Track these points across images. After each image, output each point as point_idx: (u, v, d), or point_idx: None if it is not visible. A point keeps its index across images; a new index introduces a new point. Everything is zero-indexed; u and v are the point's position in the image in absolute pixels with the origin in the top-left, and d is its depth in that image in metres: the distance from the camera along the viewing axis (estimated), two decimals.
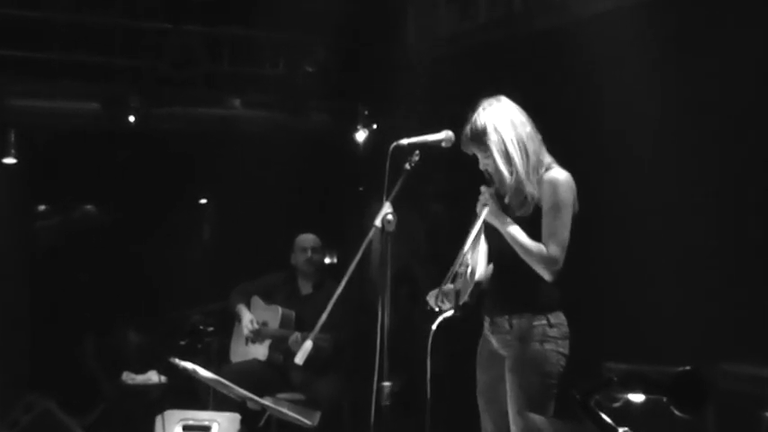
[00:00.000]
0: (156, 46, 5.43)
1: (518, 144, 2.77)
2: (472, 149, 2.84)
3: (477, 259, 2.81)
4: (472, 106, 2.88)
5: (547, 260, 2.72)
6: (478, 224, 2.82)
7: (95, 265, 5.98)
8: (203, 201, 6.79)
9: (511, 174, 2.77)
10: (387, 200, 2.62)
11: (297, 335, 4.52)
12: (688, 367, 1.89)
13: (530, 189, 2.77)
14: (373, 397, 2.55)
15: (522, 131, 2.79)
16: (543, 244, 2.73)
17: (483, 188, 2.85)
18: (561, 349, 2.80)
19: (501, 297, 2.87)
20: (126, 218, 6.20)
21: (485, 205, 2.82)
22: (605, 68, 4.28)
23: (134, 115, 5.55)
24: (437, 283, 2.98)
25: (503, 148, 2.77)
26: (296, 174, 6.14)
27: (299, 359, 2.58)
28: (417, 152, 2.69)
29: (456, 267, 2.81)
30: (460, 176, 3.09)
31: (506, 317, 2.83)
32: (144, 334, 5.81)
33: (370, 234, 2.60)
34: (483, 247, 2.86)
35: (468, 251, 2.81)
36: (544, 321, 2.78)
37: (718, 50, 3.88)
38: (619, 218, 4.20)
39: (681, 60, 4.06)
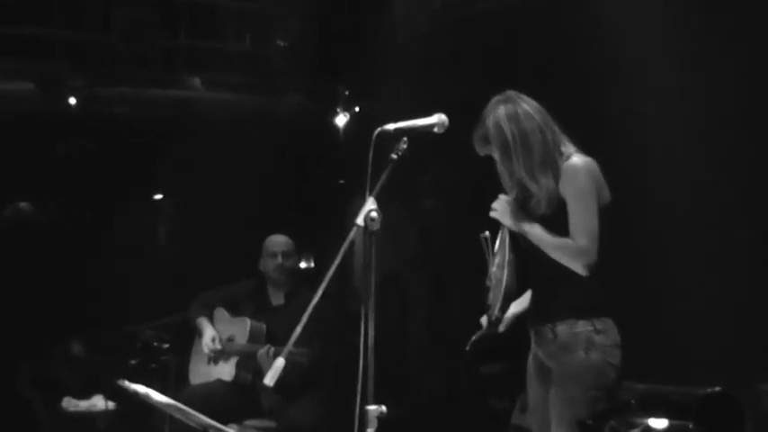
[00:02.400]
0: (101, 16, 5.41)
1: (520, 139, 2.93)
2: (481, 150, 3.03)
3: (503, 271, 2.97)
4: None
5: (576, 252, 2.86)
6: (502, 232, 3.00)
7: (31, 273, 5.95)
8: (158, 197, 6.77)
9: (511, 172, 2.95)
10: (370, 194, 2.62)
11: (268, 347, 4.51)
12: (718, 388, 1.91)
13: (537, 186, 2.92)
14: (356, 423, 2.56)
15: (526, 125, 2.94)
16: (571, 236, 2.87)
17: (501, 195, 3.02)
18: (610, 359, 2.89)
19: (542, 305, 3.02)
20: (67, 217, 6.17)
21: (501, 210, 2.99)
22: (624, 42, 4.30)
23: (76, 97, 5.52)
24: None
25: (500, 144, 2.95)
26: (266, 165, 6.13)
27: (269, 380, 2.57)
28: (405, 139, 2.71)
29: (490, 269, 3.01)
30: (456, 167, 3.13)
31: (549, 325, 2.96)
32: (90, 350, 5.79)
33: (352, 234, 2.61)
34: (509, 256, 2.99)
35: (493, 263, 2.99)
36: (590, 327, 2.89)
37: (753, 21, 3.92)
38: (646, 212, 4.23)
39: (712, 34, 4.09)
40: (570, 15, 4.64)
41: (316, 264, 6.38)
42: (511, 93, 3.01)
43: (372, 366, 2.52)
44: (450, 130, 2.84)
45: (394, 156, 2.68)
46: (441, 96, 5.07)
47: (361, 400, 2.53)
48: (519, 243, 3.00)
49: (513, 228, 2.96)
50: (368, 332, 2.54)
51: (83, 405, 5.46)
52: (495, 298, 2.97)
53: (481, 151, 3.02)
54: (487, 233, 3.03)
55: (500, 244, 3.00)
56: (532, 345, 3.08)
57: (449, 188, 5.60)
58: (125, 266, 6.12)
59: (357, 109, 6.02)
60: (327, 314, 4.73)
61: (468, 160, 3.00)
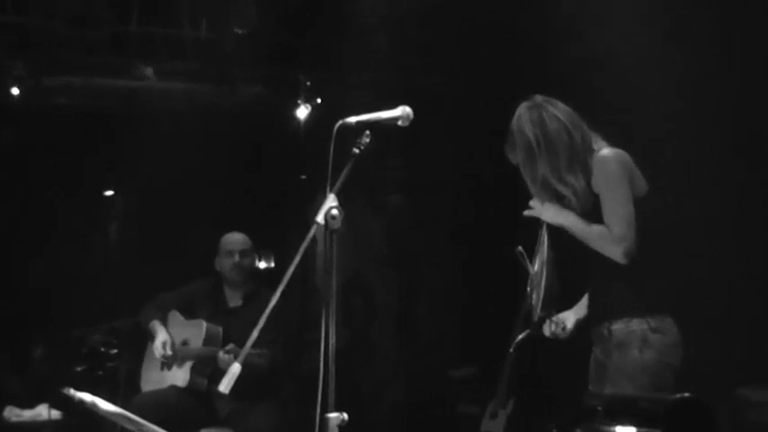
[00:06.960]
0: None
1: (544, 141, 3.05)
2: (513, 159, 3.14)
3: (542, 271, 3.09)
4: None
5: (612, 240, 2.95)
6: (540, 231, 3.14)
7: None
8: (108, 193, 6.73)
9: (533, 177, 3.07)
10: (331, 191, 2.63)
11: (231, 347, 4.48)
12: (687, 394, 1.93)
13: (565, 187, 3.03)
14: (316, 431, 2.57)
15: (551, 127, 3.06)
16: (606, 225, 2.97)
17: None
18: (668, 359, 2.97)
19: (597, 304, 3.13)
20: (10, 214, 6.12)
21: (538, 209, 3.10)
22: (602, 26, 4.34)
23: (18, 87, 5.46)
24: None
25: (524, 148, 3.07)
26: (223, 159, 6.11)
27: (225, 386, 2.57)
28: (368, 132, 2.72)
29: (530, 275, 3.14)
30: (422, 162, 3.14)
31: (606, 324, 3.06)
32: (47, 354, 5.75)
33: (312, 232, 2.61)
34: (549, 255, 3.12)
35: (534, 266, 3.12)
36: (644, 326, 2.97)
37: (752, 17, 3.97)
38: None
39: (711, 32, 4.14)
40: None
41: (276, 263, 6.38)
42: (538, 97, 3.12)
43: (334, 371, 2.53)
44: (415, 123, 2.86)
45: (356, 150, 2.69)
46: (406, 87, 5.09)
47: (322, 406, 2.54)
48: (562, 240, 3.10)
49: (552, 221, 3.08)
50: (329, 335, 2.55)
51: (26, 415, 5.41)
52: (537, 298, 3.08)
53: (513, 160, 3.13)
54: (521, 248, 3.15)
55: (539, 244, 3.12)
56: (593, 345, 3.17)
57: (413, 185, 5.62)
58: (70, 266, 6.07)
59: (319, 100, 6.02)
60: (287, 316, 4.74)
61: (434, 155, 3.02)
